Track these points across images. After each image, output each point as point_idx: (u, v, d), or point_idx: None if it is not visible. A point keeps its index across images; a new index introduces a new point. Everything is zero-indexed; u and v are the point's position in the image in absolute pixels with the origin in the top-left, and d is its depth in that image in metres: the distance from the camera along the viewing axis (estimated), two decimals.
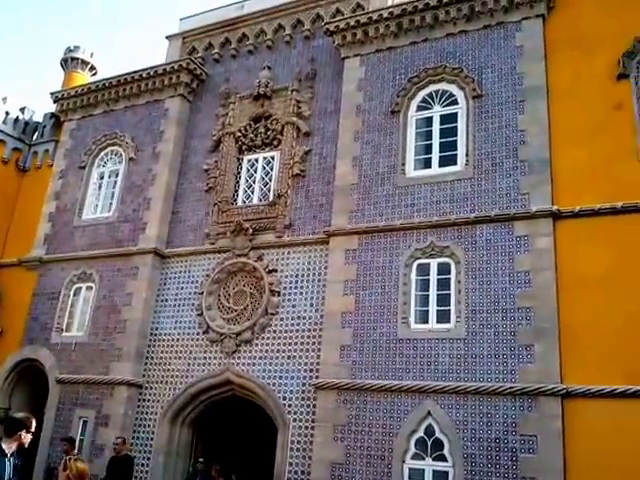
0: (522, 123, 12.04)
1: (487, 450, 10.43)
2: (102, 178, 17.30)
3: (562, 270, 10.93)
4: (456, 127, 12.74)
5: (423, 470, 10.89)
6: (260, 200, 14.79)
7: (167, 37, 18.12)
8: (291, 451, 12.27)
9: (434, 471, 10.80)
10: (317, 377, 12.32)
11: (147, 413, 14.17)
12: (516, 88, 12.34)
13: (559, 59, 12.27)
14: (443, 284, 11.82)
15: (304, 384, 12.59)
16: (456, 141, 12.62)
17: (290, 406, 12.60)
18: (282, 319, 13.35)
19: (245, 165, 15.40)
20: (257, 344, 13.43)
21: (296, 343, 13.00)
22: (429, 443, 10.95)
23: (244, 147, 15.47)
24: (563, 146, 11.65)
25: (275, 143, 15.04)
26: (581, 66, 12.04)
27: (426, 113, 13.24)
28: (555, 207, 11.23)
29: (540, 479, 9.98)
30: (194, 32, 17.53)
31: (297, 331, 13.08)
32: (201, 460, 13.44)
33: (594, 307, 10.50)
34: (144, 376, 14.49)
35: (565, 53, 12.25)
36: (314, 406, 12.24)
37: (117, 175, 16.92)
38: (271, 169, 14.96)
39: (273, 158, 15.01)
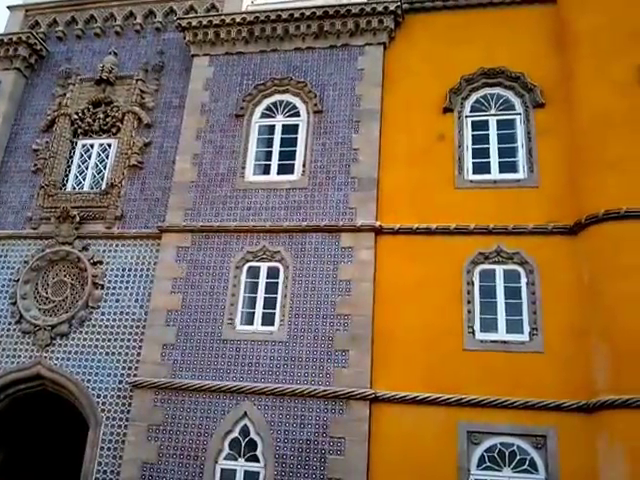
0: (356, 142, 12.75)
1: (298, 451, 10.81)
2: None
3: (380, 281, 11.70)
4: (296, 138, 13.17)
5: (235, 470, 11.04)
6: (92, 188, 14.13)
7: (8, 7, 16.81)
8: (101, 450, 11.82)
9: (246, 471, 10.99)
10: (135, 375, 12.01)
11: None
12: (354, 109, 13.05)
13: (394, 87, 13.17)
14: (271, 288, 12.11)
15: (121, 382, 12.20)
16: (295, 151, 13.04)
17: (104, 404, 12.13)
18: (104, 313, 12.84)
19: (79, 150, 14.66)
20: (74, 338, 12.78)
21: (116, 339, 12.57)
22: (243, 444, 11.13)
23: (80, 131, 14.73)
24: (391, 168, 12.50)
25: (114, 131, 14.49)
26: (412, 96, 13.01)
27: (269, 121, 13.54)
28: (378, 223, 12.00)
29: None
30: (39, 6, 16.42)
31: (119, 327, 12.66)
32: None
33: (404, 318, 11.34)
34: None
35: (400, 82, 13.18)
36: (130, 404, 11.91)
37: None
38: (107, 157, 14.37)
39: (110, 146, 14.44)
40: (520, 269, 11.29)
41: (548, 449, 10.10)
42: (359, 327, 11.36)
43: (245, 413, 11.20)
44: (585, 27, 12.27)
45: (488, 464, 10.30)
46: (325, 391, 11.00)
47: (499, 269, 11.38)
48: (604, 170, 11.15)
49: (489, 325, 11.07)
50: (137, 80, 14.69)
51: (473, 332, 11.02)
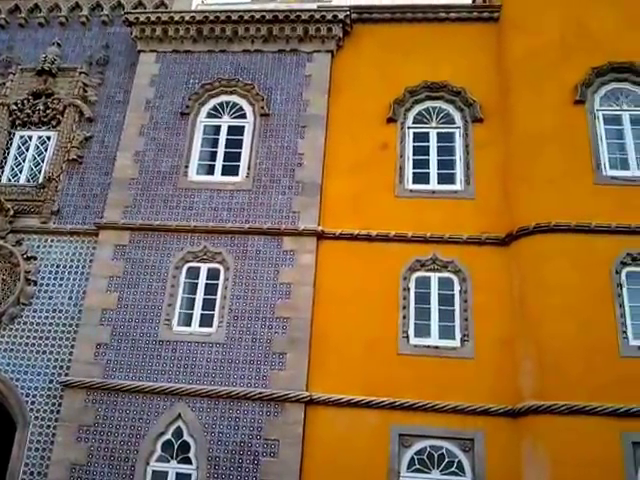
0: (301, 147, 12.88)
1: (232, 453, 10.79)
2: None
3: (320, 285, 11.84)
4: (242, 140, 13.17)
5: (167, 472, 10.92)
6: (28, 181, 13.72)
7: None
8: (29, 450, 11.48)
9: (178, 473, 10.90)
10: (67, 375, 11.74)
11: None
12: (300, 114, 13.17)
13: (341, 95, 13.36)
14: (211, 289, 12.07)
15: (52, 381, 11.88)
16: (240, 153, 13.04)
17: (33, 403, 11.78)
18: (36, 311, 12.48)
19: (17, 141, 14.19)
20: (4, 335, 12.36)
21: (48, 338, 12.24)
22: (176, 446, 11.03)
23: (18, 122, 14.26)
24: (334, 174, 12.68)
25: (54, 123, 14.10)
26: (358, 105, 13.22)
27: (215, 121, 13.50)
28: (320, 228, 12.16)
29: None
30: None
31: (51, 325, 12.33)
32: None
33: (343, 322, 11.51)
34: None
35: (346, 90, 13.39)
36: (60, 405, 11.61)
37: None
38: (45, 150, 13.99)
39: (49, 139, 14.05)
40: (454, 277, 11.64)
41: (475, 452, 10.44)
42: (298, 330, 11.46)
43: (179, 415, 11.11)
44: (522, 47, 12.80)
45: (418, 466, 10.56)
46: (261, 393, 11.04)
47: (434, 276, 11.71)
48: (536, 185, 11.65)
49: (423, 331, 11.37)
50: (80, 73, 14.37)
51: (407, 337, 11.30)
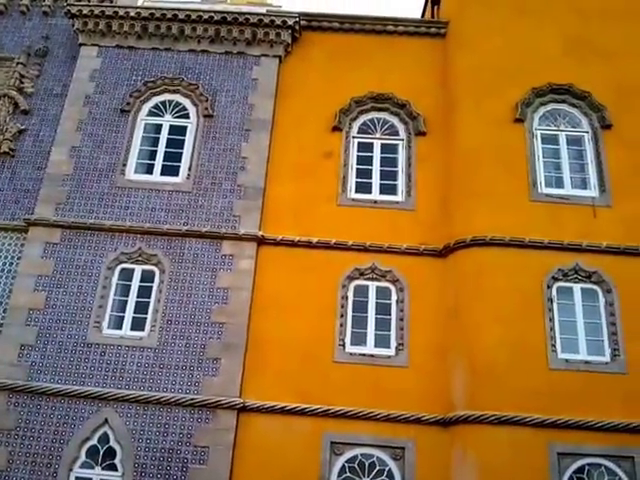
0: (245, 151, 12.76)
1: (159, 460, 10.50)
2: None
3: (258, 291, 11.71)
4: (184, 140, 12.95)
5: (91, 479, 10.54)
6: None
7: None
8: None
9: None
10: None
11: None
12: (245, 117, 13.06)
13: (287, 100, 13.33)
14: (144, 292, 11.75)
15: None
16: (181, 154, 12.81)
17: None
18: None
19: None
20: None
21: None
22: (101, 452, 10.65)
23: None
24: (277, 180, 12.61)
25: None
26: (304, 112, 13.22)
27: (157, 120, 13.23)
28: (261, 233, 12.05)
29: None
30: None
31: None
32: None
33: (280, 329, 11.40)
34: None
35: (293, 96, 13.36)
36: None
37: None
38: None
39: None
40: (392, 286, 11.72)
41: (406, 460, 10.49)
42: (233, 336, 11.28)
43: (106, 420, 10.75)
44: (467, 64, 13.11)
45: (348, 474, 10.52)
46: (192, 400, 10.79)
47: (372, 285, 11.76)
48: (474, 200, 11.89)
49: (359, 339, 11.40)
50: (17, 63, 13.85)
51: (344, 345, 11.29)
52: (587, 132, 12.58)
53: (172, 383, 11.01)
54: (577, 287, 11.26)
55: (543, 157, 12.33)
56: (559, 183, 12.15)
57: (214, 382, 10.97)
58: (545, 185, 12.05)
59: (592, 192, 12.01)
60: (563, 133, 12.62)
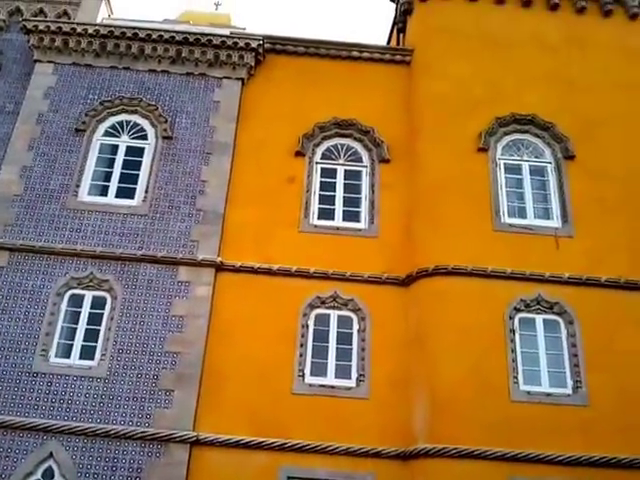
0: (205, 174, 12.45)
1: None
2: None
3: (215, 319, 11.33)
4: (141, 162, 12.58)
5: None
6: None
7: None
8: None
9: None
10: None
11: None
12: (206, 140, 12.77)
13: (250, 124, 13.10)
14: (95, 319, 11.23)
15: None
16: (138, 175, 12.43)
17: None
18: None
19: None
20: None
21: None
22: None
23: None
24: (238, 205, 12.31)
25: None
26: (267, 136, 13.00)
27: (113, 140, 12.86)
28: (219, 259, 11.70)
29: None
30: None
31: None
32: None
33: (237, 359, 11.03)
34: None
35: (256, 120, 13.14)
36: None
37: None
38: None
39: None
40: (353, 315, 11.47)
41: None
42: (188, 366, 10.84)
43: (51, 454, 10.18)
44: (431, 92, 13.13)
45: None
46: (143, 433, 10.29)
47: (334, 314, 11.49)
48: (437, 228, 11.78)
49: (319, 369, 11.08)
50: None
51: (303, 375, 10.96)
52: (550, 162, 12.64)
53: (122, 415, 10.50)
54: (539, 318, 11.18)
55: (506, 187, 12.33)
56: (522, 213, 12.14)
57: (166, 414, 10.50)
58: (508, 215, 12.01)
59: (555, 222, 12.02)
60: (526, 163, 12.66)
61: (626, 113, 13.02)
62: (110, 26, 13.48)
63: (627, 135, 12.84)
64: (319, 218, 12.37)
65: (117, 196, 12.26)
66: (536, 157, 12.75)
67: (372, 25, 42.18)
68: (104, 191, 12.36)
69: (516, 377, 10.64)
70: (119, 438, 10.29)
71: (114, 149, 12.78)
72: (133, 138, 12.88)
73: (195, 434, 10.37)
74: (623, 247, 11.78)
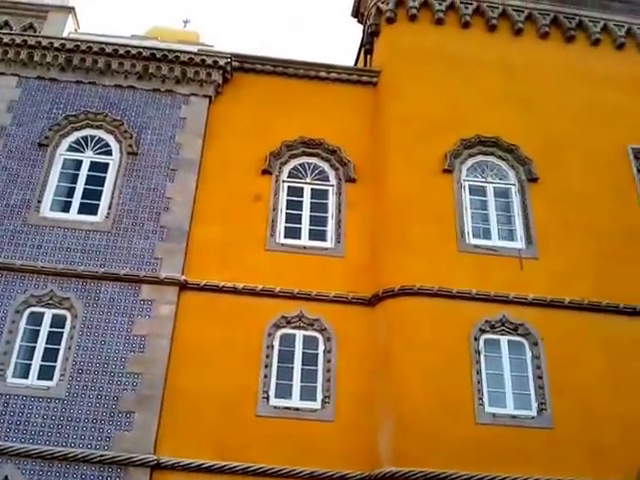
0: (170, 191, 12.28)
1: None
2: None
3: (179, 339, 11.09)
4: (105, 178, 12.38)
5: None
6: None
7: None
8: None
9: None
10: None
11: None
12: (171, 156, 12.63)
13: (216, 141, 12.99)
14: (55, 338, 10.92)
15: None
16: (101, 192, 12.21)
17: None
18: None
19: None
20: None
21: None
22: None
23: None
24: (203, 223, 12.14)
25: None
26: (234, 153, 12.91)
27: (77, 155, 12.64)
28: (183, 277, 11.50)
29: None
30: None
31: None
32: None
33: (201, 379, 10.79)
34: None
35: (222, 138, 13.06)
36: None
37: None
38: None
39: None
40: (319, 336, 11.34)
41: None
42: (149, 387, 10.58)
43: (6, 477, 9.77)
44: (397, 114, 13.22)
45: None
46: (102, 456, 9.98)
47: (299, 334, 11.34)
48: (402, 249, 11.78)
49: (284, 391, 10.90)
50: None
51: (267, 397, 10.76)
52: (514, 184, 12.78)
53: (81, 437, 10.18)
54: (504, 339, 11.19)
55: (471, 208, 12.41)
56: (487, 234, 12.21)
57: (126, 437, 10.20)
58: (473, 236, 12.07)
59: (519, 244, 12.12)
60: (491, 185, 12.78)
61: (587, 137, 13.29)
62: (77, 40, 13.32)
63: (588, 158, 13.07)
64: (285, 237, 12.28)
65: (80, 212, 12.02)
66: (500, 179, 12.89)
67: (341, 46, 42.68)
68: (66, 207, 12.10)
69: (481, 399, 10.60)
70: (77, 461, 9.96)
71: (78, 164, 12.55)
72: (97, 153, 12.67)
73: (156, 458, 10.09)
74: (586, 269, 11.91)
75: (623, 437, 10.50)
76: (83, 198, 12.17)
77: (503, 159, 12.94)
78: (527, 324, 11.21)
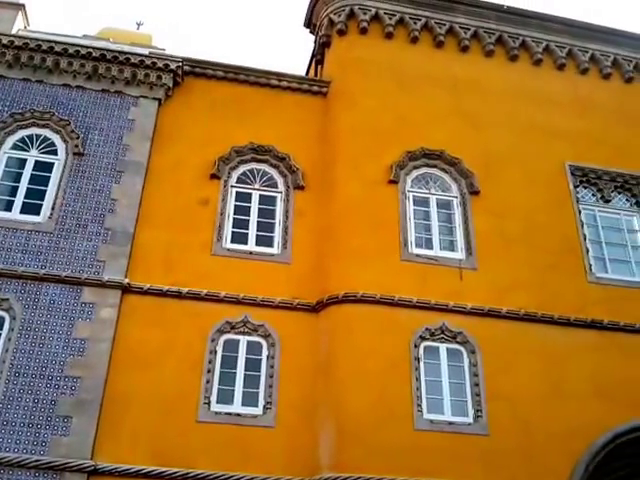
0: (115, 193, 12.16)
1: None
2: None
3: (120, 343, 10.95)
4: (49, 177, 12.16)
5: None
6: None
7: None
8: None
9: None
10: None
11: None
12: (118, 158, 12.51)
13: (165, 145, 12.94)
14: None
15: None
16: (45, 192, 12.00)
17: None
18: None
19: None
20: None
21: None
22: None
23: None
24: (148, 226, 12.05)
25: None
26: (182, 157, 12.88)
27: (21, 154, 12.39)
28: (127, 280, 11.38)
29: None
30: None
31: None
32: None
33: (141, 384, 10.68)
34: None
35: (171, 141, 13.02)
36: None
37: None
38: None
39: None
40: (263, 341, 11.37)
41: None
42: (88, 391, 10.41)
43: None
44: (346, 124, 13.44)
45: None
46: (37, 461, 9.76)
47: (243, 340, 11.35)
48: (347, 257, 11.94)
49: (226, 397, 10.87)
50: None
51: (209, 403, 10.72)
52: (456, 197, 13.12)
53: (16, 442, 9.94)
54: (443, 347, 11.44)
55: (414, 218, 12.67)
56: (429, 244, 12.49)
57: (63, 442, 10.01)
58: (415, 245, 12.33)
59: (459, 255, 12.43)
60: (434, 196, 13.10)
61: (527, 153, 13.77)
62: (25, 38, 13.10)
63: (528, 173, 13.52)
64: (232, 242, 12.29)
65: (22, 212, 11.76)
66: (443, 191, 13.22)
67: (294, 55, 42.92)
68: (8, 206, 11.83)
69: (420, 405, 10.79)
70: (12, 466, 9.72)
71: (22, 163, 12.29)
72: (42, 153, 12.45)
73: (93, 463, 9.92)
74: (523, 280, 12.28)
75: (556, 443, 10.82)
76: (26, 198, 11.92)
77: (446, 172, 13.29)
78: (465, 332, 11.49)
